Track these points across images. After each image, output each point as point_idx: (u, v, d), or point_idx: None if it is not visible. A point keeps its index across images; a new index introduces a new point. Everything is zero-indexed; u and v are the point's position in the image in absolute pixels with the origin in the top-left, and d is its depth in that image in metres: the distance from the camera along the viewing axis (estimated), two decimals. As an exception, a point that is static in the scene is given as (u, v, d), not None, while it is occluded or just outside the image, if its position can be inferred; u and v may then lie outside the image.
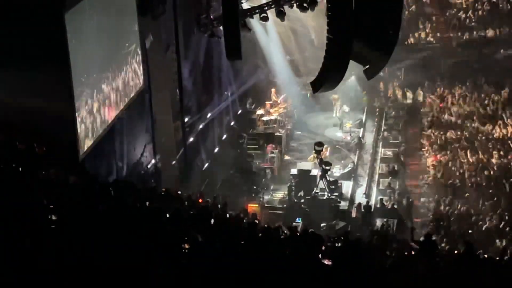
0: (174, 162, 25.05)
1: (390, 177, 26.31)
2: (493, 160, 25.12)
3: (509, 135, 27.02)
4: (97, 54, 18.27)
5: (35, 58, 15.32)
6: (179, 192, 19.67)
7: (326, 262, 11.93)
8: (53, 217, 8.59)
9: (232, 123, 31.58)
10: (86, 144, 17.70)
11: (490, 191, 23.07)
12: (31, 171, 13.05)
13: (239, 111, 32.67)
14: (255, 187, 26.07)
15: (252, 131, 30.61)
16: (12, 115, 15.72)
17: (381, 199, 24.26)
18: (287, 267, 9.54)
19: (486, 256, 15.37)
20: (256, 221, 16.99)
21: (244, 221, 16.88)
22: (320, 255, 11.43)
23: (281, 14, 23.02)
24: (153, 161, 24.23)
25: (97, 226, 8.72)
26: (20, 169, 12.93)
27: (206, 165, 27.92)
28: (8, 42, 15.26)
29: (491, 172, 24.29)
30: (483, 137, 26.99)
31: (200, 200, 19.96)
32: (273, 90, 31.72)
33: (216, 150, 29.46)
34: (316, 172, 25.58)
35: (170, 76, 25.06)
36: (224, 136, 30.55)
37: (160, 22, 23.04)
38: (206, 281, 8.58)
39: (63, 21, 15.62)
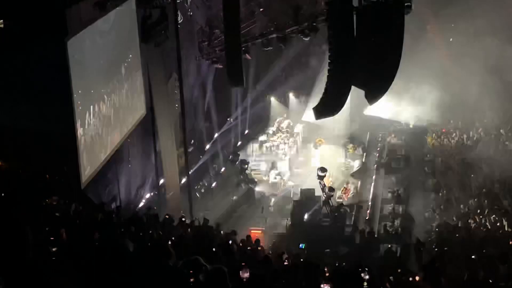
0: (177, 188, 25.03)
1: (393, 202, 26.22)
2: (497, 184, 25.08)
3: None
4: (99, 80, 18.36)
5: (38, 86, 15.39)
6: (183, 218, 19.64)
7: (326, 286, 11.86)
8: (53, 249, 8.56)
9: (235, 149, 31.63)
10: (89, 171, 17.70)
11: (494, 216, 22.95)
12: (34, 198, 13.05)
13: (243, 137, 32.73)
14: (258, 213, 26.05)
15: (255, 157, 30.64)
16: (15, 142, 15.76)
17: (385, 225, 24.16)
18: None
19: (490, 281, 15.26)
20: (259, 247, 16.94)
21: (248, 247, 16.81)
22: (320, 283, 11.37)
23: (282, 41, 23.12)
24: (156, 187, 24.23)
25: (100, 254, 8.68)
26: (24, 196, 12.93)
27: (209, 191, 27.92)
28: (12, 71, 15.33)
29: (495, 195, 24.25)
30: (487, 161, 26.95)
31: (203, 227, 19.90)
32: (279, 118, 31.73)
33: (219, 176, 29.47)
34: (319, 197, 25.56)
35: (173, 103, 25.14)
36: (227, 162, 30.57)
37: (163, 49, 23.17)
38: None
39: (66, 49, 15.73)
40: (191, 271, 9.59)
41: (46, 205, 13.17)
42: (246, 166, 28.81)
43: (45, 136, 15.76)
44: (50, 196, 13.85)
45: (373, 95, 20.99)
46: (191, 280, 9.13)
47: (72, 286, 6.03)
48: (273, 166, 29.25)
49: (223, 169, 30.11)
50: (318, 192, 25.74)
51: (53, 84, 15.65)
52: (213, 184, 28.50)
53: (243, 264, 11.97)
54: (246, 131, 33.27)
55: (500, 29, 32.29)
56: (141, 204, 23.21)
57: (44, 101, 15.58)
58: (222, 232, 19.75)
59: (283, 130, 31.32)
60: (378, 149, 31.50)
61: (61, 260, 7.68)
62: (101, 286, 7.07)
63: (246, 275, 11.01)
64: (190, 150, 26.52)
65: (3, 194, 12.64)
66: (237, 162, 29.79)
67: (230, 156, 30.77)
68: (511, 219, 22.57)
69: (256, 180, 28.24)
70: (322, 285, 11.65)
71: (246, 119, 32.95)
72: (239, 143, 32.59)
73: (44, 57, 15.27)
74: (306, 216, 24.92)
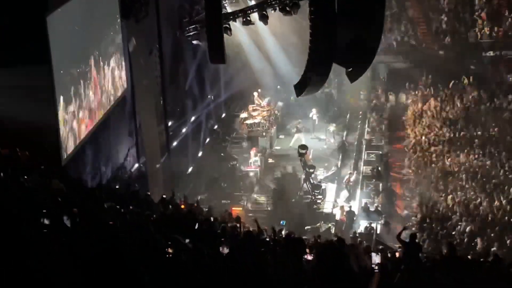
0: (158, 166, 24.97)
1: (374, 179, 26.35)
2: (475, 161, 25.33)
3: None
4: (79, 57, 18.19)
5: (17, 63, 15.21)
6: (164, 196, 19.62)
7: (309, 257, 11.98)
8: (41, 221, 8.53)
9: (215, 127, 31.52)
10: (69, 148, 17.59)
11: (472, 193, 23.21)
12: (14, 176, 12.95)
13: (223, 115, 32.65)
14: (239, 190, 26.09)
15: (236, 135, 30.60)
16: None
17: (366, 203, 24.29)
18: (270, 270, 9.54)
19: (469, 257, 15.48)
20: (239, 223, 17.01)
21: (228, 224, 16.85)
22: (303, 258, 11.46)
23: (264, 18, 23.03)
24: (136, 164, 24.16)
25: (79, 231, 8.67)
26: (3, 174, 12.82)
27: (190, 169, 27.87)
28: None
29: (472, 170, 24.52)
30: (465, 139, 27.17)
31: (184, 204, 19.90)
32: (255, 93, 31.40)
33: (200, 153, 29.40)
34: (300, 175, 25.64)
35: (153, 80, 24.97)
36: (208, 140, 30.47)
37: (143, 25, 22.96)
38: (190, 285, 8.56)
39: (45, 24, 15.53)
40: (172, 249, 9.62)
41: (25, 183, 13.07)
42: (227, 143, 28.78)
43: (25, 113, 15.62)
44: (30, 173, 13.75)
45: (354, 73, 21.00)
46: (172, 257, 9.16)
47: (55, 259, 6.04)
48: (254, 143, 29.19)
49: (203, 147, 29.92)
50: (299, 170, 25.84)
51: (32, 61, 15.47)
52: (191, 168, 28.27)
53: (222, 240, 12.03)
54: (229, 107, 33.16)
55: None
56: (122, 181, 23.10)
57: (23, 79, 15.41)
58: (204, 209, 19.80)
59: (264, 108, 31.07)
60: (359, 126, 31.58)
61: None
62: (83, 262, 7.06)
63: (226, 250, 11.08)
64: (170, 127, 26.40)
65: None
66: (217, 140, 29.75)
67: (210, 135, 30.61)
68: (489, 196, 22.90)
69: (237, 157, 28.21)
70: (305, 256, 11.76)
71: (228, 96, 32.79)
72: (223, 115, 32.50)
73: (23, 33, 15.09)
74: (286, 193, 25.00)
